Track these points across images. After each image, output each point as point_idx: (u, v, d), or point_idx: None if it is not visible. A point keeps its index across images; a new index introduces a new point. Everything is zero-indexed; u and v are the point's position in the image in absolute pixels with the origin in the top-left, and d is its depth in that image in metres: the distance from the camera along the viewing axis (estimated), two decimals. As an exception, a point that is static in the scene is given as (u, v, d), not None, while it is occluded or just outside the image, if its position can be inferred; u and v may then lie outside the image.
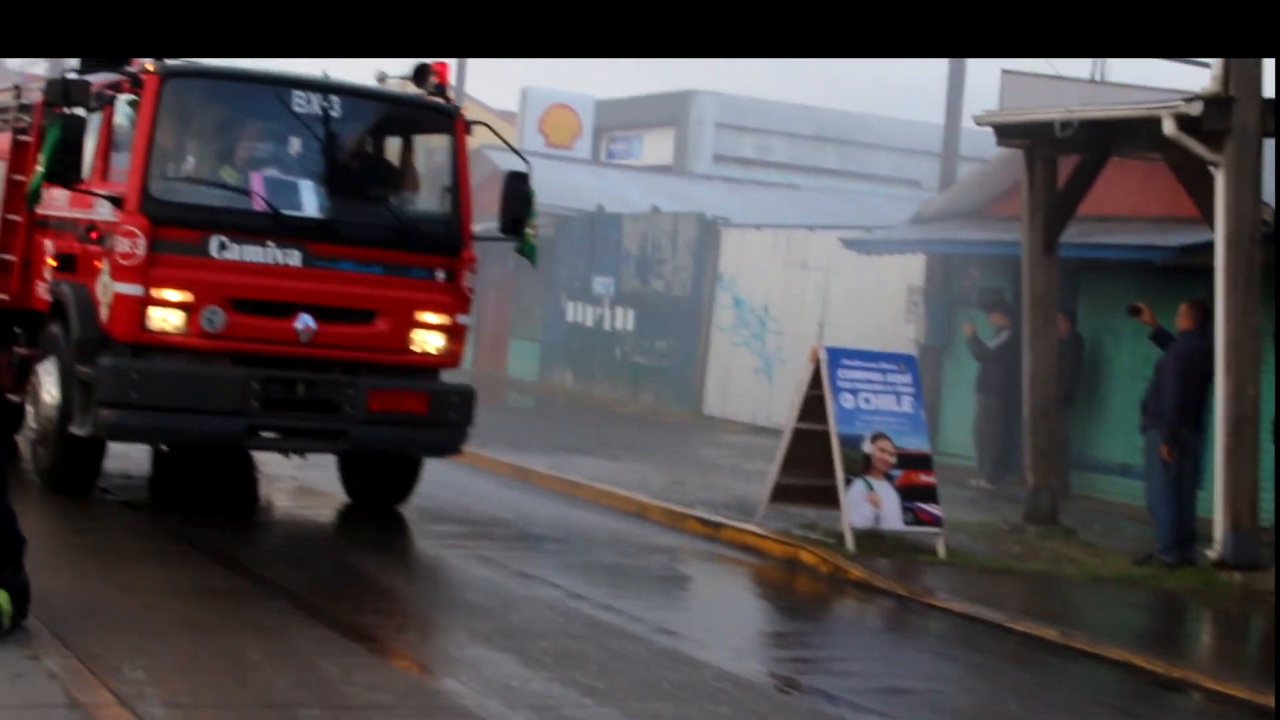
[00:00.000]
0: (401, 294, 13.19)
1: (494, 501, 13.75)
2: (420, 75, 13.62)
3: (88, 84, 12.61)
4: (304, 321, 12.81)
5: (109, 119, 12.98)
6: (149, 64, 12.54)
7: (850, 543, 13.74)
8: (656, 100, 44.19)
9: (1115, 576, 13.85)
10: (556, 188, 30.01)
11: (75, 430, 12.74)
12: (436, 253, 13.35)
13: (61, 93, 12.45)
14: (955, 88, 25.06)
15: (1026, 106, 16.64)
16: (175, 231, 12.49)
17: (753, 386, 25.49)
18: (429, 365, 13.49)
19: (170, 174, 12.82)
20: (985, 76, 23.23)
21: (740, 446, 22.11)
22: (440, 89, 13.68)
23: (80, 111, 12.44)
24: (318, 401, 12.94)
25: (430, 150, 14.07)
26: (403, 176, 13.94)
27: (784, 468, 14.47)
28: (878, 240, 22.40)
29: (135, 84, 12.58)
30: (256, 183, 12.84)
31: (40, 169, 12.49)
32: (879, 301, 22.70)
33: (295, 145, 13.31)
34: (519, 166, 13.77)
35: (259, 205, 12.75)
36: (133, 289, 12.44)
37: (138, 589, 10.46)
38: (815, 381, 14.25)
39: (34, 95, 14.38)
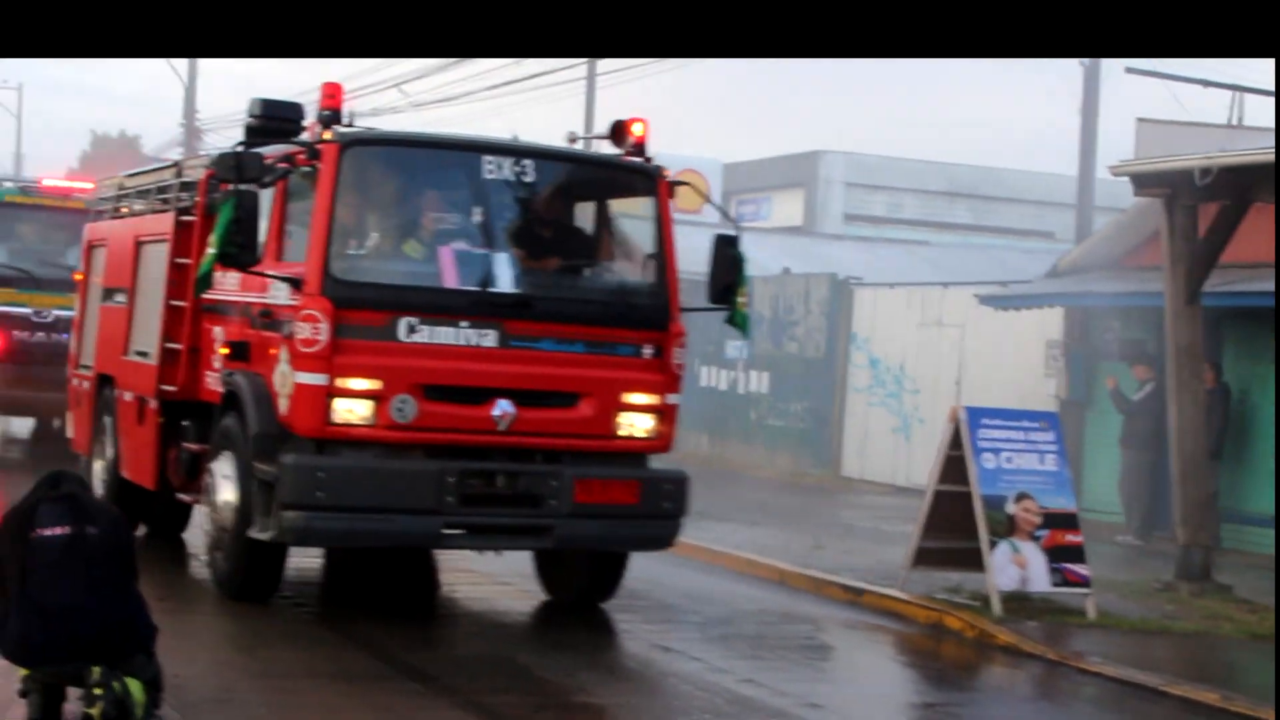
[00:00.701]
0: (607, 373, 12.23)
1: (631, 570, 13.50)
2: (618, 133, 12.64)
3: (261, 157, 11.66)
4: (502, 408, 11.82)
5: (283, 194, 12.22)
6: (326, 132, 11.73)
7: (996, 606, 13.51)
8: (784, 161, 44.07)
9: (1275, 634, 13.40)
10: (687, 253, 29.75)
11: (256, 534, 11.87)
12: (643, 327, 12.37)
13: (233, 167, 11.49)
14: (1088, 137, 24.78)
15: (1163, 154, 16.30)
16: (360, 314, 11.59)
17: (890, 447, 25.27)
18: (637, 450, 12.50)
19: (353, 251, 11.91)
20: (1118, 125, 23.00)
21: (880, 508, 21.77)
22: (640, 148, 12.71)
23: (252, 187, 11.63)
24: (519, 495, 11.99)
25: (619, 213, 13.21)
26: (600, 245, 12.92)
27: (926, 530, 14.24)
28: (1014, 295, 22.17)
29: (312, 154, 11.73)
30: (446, 257, 11.92)
31: (211, 250, 11.74)
32: (1017, 357, 22.49)
33: (486, 215, 12.32)
34: (725, 230, 12.99)
35: (450, 282, 11.87)
36: (315, 379, 11.54)
37: (273, 674, 10.38)
38: (955, 442, 14.06)
39: (197, 173, 14.00)
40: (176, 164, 14.94)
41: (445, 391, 11.81)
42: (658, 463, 12.86)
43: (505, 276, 12.06)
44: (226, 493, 12.36)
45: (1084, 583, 13.82)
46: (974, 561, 13.78)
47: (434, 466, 11.76)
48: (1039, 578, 13.72)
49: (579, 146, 13.16)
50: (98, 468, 16.06)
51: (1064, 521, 13.96)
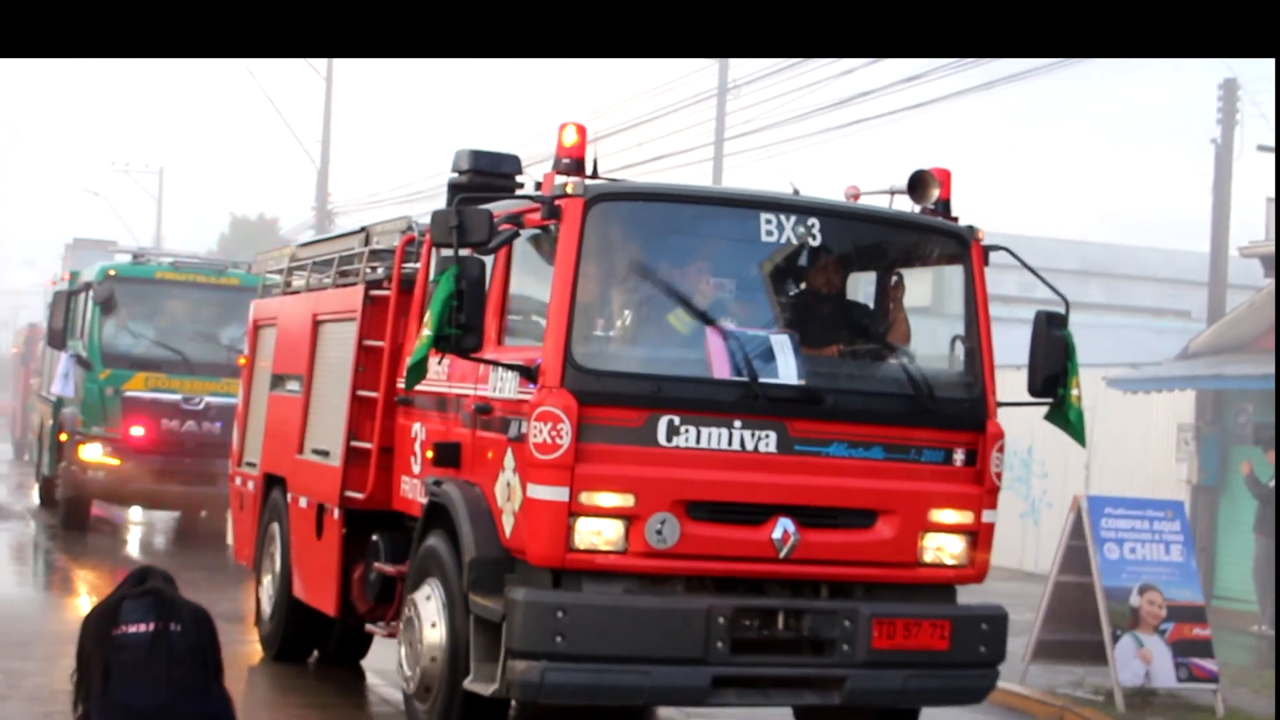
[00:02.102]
0: (911, 485, 9.77)
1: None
2: (919, 187, 10.24)
3: (489, 215, 9.30)
4: (784, 528, 9.40)
5: (505, 264, 9.87)
6: (568, 184, 9.32)
7: (1120, 703, 13.17)
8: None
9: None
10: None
11: (473, 687, 9.52)
12: (954, 426, 9.93)
13: (455, 228, 9.14)
14: (1220, 216, 23.68)
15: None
16: (610, 411, 9.18)
17: (1018, 531, 24.49)
18: (944, 582, 10.04)
19: (600, 333, 9.55)
20: (1251, 202, 22.65)
21: (1004, 594, 19.60)
22: (945, 205, 10.36)
23: (474, 254, 9.35)
24: (802, 638, 9.55)
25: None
26: (896, 323, 10.44)
27: (1046, 622, 14.09)
28: (1145, 378, 22.10)
29: (550, 212, 9.33)
30: (715, 340, 9.44)
31: (427, 333, 9.32)
32: (1148, 440, 22.44)
33: (760, 287, 10.02)
34: (1052, 306, 10.41)
35: (720, 371, 9.39)
36: (554, 493, 9.10)
37: None
38: (1077, 531, 13.85)
39: (391, 239, 11.85)
40: (364, 229, 12.67)
41: (714, 509, 9.35)
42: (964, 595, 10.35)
43: (788, 364, 9.51)
44: (432, 631, 9.98)
45: (1212, 678, 13.48)
46: (1097, 655, 13.59)
47: (701, 604, 9.26)
48: (1164, 672, 13.42)
49: (862, 202, 10.60)
50: (265, 584, 13.81)
51: (1190, 615, 13.69)
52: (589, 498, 9.13)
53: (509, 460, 9.48)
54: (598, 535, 9.17)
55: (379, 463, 11.54)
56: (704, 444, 9.29)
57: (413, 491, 11.06)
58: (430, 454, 10.45)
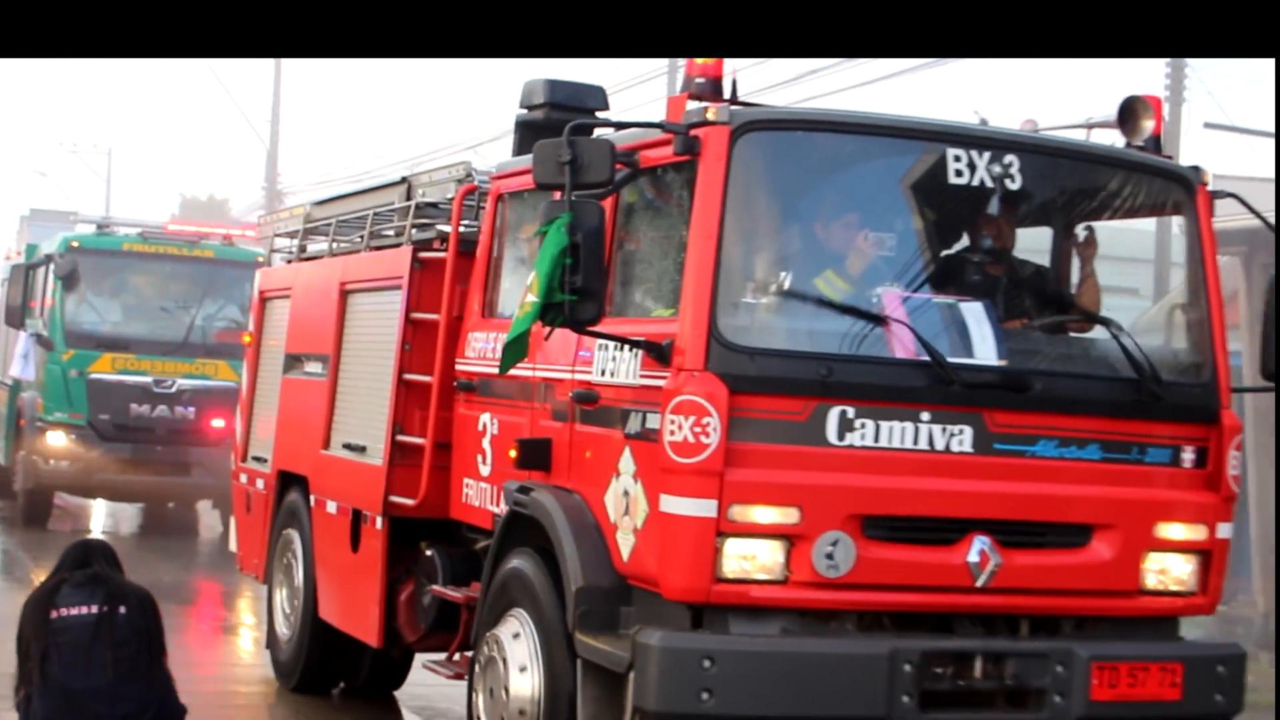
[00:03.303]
0: (1133, 493, 7.72)
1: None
2: (1131, 118, 8.12)
3: (611, 147, 7.21)
4: (980, 549, 7.35)
5: (615, 210, 7.73)
6: (710, 109, 7.19)
7: None
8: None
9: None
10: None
11: None
12: (1182, 418, 7.84)
13: (568, 163, 7.04)
14: None
15: (1238, 211, 14.51)
16: (767, 401, 7.12)
17: None
18: (1170, 613, 7.98)
19: (751, 299, 7.39)
20: None
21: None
22: (1157, 141, 8.20)
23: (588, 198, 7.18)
24: (1003, 689, 7.45)
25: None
26: (1086, 288, 8.27)
27: None
28: None
29: (686, 146, 7.25)
30: (893, 308, 7.42)
31: (533, 299, 7.16)
32: None
33: (949, 242, 7.99)
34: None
35: (903, 348, 7.35)
36: (697, 507, 7.00)
37: None
38: None
39: (446, 190, 9.76)
40: (405, 180, 10.56)
41: (897, 525, 7.28)
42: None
43: (985, 340, 7.45)
44: (522, 678, 7.84)
45: None
46: None
47: (883, 648, 7.16)
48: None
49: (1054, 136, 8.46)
50: (279, 601, 11.72)
51: None
52: (742, 512, 7.03)
53: (626, 463, 7.39)
54: (752, 561, 7.08)
55: (433, 461, 9.45)
56: (884, 443, 7.23)
57: (479, 498, 9.02)
58: (512, 452, 8.32)
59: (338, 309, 10.95)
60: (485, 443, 8.95)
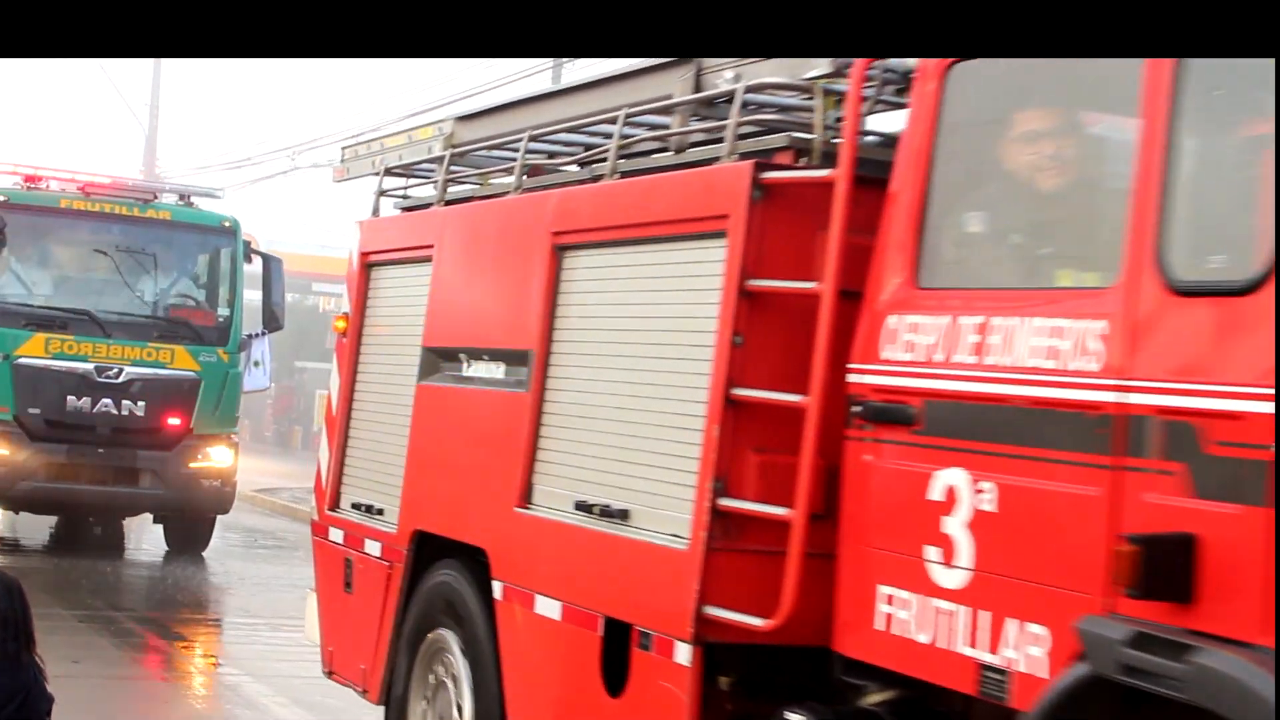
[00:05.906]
0: None
1: None
2: None
3: None
4: None
5: None
6: None
7: None
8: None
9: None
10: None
11: None
12: None
13: None
14: None
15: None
16: None
17: None
18: None
19: None
20: None
21: None
22: None
23: None
24: None
25: None
26: None
27: None
28: None
29: None
30: None
31: None
32: None
33: None
34: None
35: None
36: None
37: None
38: None
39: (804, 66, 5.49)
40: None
41: None
42: None
43: None
44: None
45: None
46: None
47: None
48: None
49: None
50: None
51: None
52: None
53: None
54: None
55: (806, 547, 5.23)
56: None
57: (926, 628, 4.84)
58: (1126, 562, 4.07)
59: (547, 276, 6.63)
60: (956, 523, 4.70)
